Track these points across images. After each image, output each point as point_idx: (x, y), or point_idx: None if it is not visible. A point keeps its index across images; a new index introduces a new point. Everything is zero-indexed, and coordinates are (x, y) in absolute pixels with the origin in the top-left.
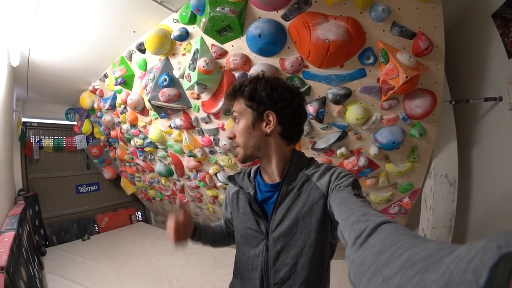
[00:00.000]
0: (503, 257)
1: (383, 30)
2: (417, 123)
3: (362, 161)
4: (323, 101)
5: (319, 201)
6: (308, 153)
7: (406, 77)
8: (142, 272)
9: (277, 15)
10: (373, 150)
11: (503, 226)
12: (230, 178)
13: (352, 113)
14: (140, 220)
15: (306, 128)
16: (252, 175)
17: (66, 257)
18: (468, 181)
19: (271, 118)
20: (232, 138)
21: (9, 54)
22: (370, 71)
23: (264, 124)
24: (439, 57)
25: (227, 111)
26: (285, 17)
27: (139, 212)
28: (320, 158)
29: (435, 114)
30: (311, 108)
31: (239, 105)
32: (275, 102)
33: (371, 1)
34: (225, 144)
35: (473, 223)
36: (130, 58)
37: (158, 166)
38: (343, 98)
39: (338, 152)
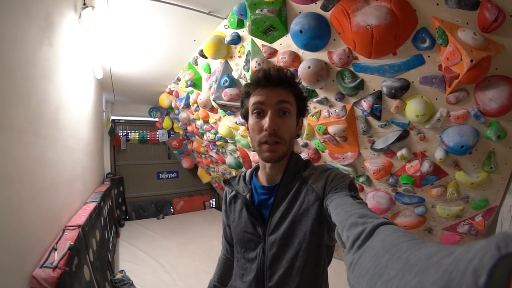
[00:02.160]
0: (502, 258)
1: (437, 4)
2: (493, 122)
3: (426, 166)
4: (378, 96)
5: (315, 203)
6: (367, 154)
7: (471, 60)
8: (202, 252)
9: (316, 7)
10: (439, 154)
11: None
12: (226, 182)
13: (412, 108)
14: (213, 207)
15: (362, 125)
16: (247, 178)
17: (140, 231)
18: None
19: (301, 123)
20: (275, 130)
21: (93, 70)
22: (428, 57)
23: (298, 127)
24: None
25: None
26: (324, 7)
27: (213, 200)
28: (379, 160)
29: None
30: (364, 104)
31: (290, 97)
32: (306, 110)
33: None
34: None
35: None
36: (196, 63)
37: (229, 159)
38: (400, 91)
39: (399, 154)
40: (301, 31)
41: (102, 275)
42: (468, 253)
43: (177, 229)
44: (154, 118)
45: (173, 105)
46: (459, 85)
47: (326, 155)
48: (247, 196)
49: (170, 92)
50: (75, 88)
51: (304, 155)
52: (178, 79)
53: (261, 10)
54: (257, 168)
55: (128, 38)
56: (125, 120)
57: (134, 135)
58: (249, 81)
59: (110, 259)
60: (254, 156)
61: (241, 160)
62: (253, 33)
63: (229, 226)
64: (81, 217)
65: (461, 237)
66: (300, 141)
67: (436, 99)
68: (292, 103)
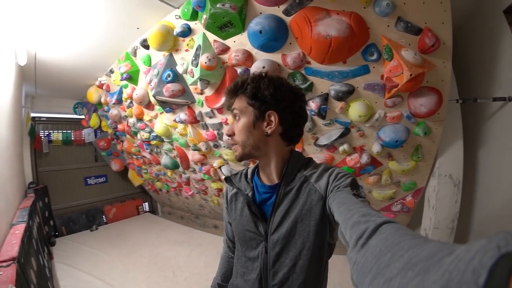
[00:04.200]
0: (502, 257)
1: (388, 26)
2: (421, 122)
3: (364, 159)
4: (325, 98)
5: (318, 203)
6: (311, 149)
7: (411, 74)
8: (148, 262)
9: (278, 11)
10: (376, 148)
11: (507, 229)
12: (227, 180)
13: (355, 110)
14: (147, 211)
15: (308, 124)
16: (249, 176)
17: (75, 247)
18: (473, 183)
19: (272, 118)
20: (230, 135)
21: (16, 54)
22: (373, 67)
23: (265, 124)
24: (447, 54)
25: (230, 106)
26: (287, 12)
27: (146, 203)
28: (322, 155)
29: (441, 113)
30: (313, 105)
31: (240, 103)
32: (278, 102)
33: None
34: (228, 139)
35: (476, 225)
36: (134, 54)
37: (164, 159)
38: (346, 95)
39: (341, 148)
40: (261, 32)
41: None
42: (469, 252)
43: (114, 240)
44: (80, 115)
45: (102, 100)
46: (397, 93)
47: None
48: (249, 194)
49: (101, 86)
50: None
51: None
52: (111, 71)
53: (222, 5)
54: (258, 166)
55: (59, 16)
56: (47, 117)
57: (57, 135)
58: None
59: None
60: (193, 156)
61: (178, 160)
62: (208, 27)
63: (230, 223)
64: (13, 246)
65: (395, 215)
66: None
67: (376, 102)
68: (242, 106)
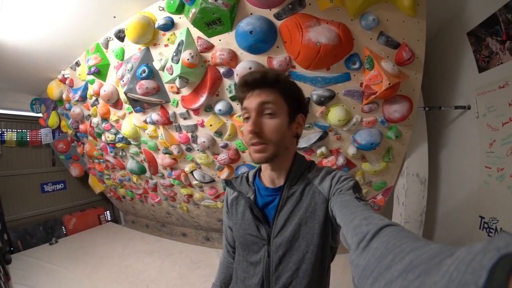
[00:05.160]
0: (502, 258)
1: (370, 39)
2: (393, 126)
3: (340, 161)
4: (307, 102)
5: (322, 205)
6: None
7: (389, 83)
8: (117, 277)
9: (269, 13)
10: (351, 150)
11: (467, 220)
12: (228, 183)
13: (335, 114)
14: (110, 220)
15: None
16: (250, 179)
17: (34, 264)
18: (437, 180)
19: (301, 120)
20: (256, 132)
21: None
22: (354, 75)
23: (295, 125)
24: (419, 67)
25: (208, 108)
26: (278, 16)
27: (108, 212)
28: None
29: (411, 119)
30: None
31: (274, 97)
32: (305, 106)
33: (363, 10)
34: (204, 141)
35: (441, 217)
36: (106, 46)
37: (130, 163)
38: (327, 100)
39: (318, 151)
40: (251, 32)
41: None
42: (469, 254)
43: (77, 254)
44: (37, 113)
45: (64, 96)
46: (373, 99)
47: (246, 155)
48: (251, 197)
49: (63, 80)
50: None
51: (223, 156)
52: (77, 64)
53: (215, 1)
54: (260, 169)
55: None
56: (0, 114)
57: (11, 135)
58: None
59: None
60: (163, 160)
61: (145, 164)
62: (195, 22)
63: (230, 228)
64: None
65: None
66: (220, 141)
67: (354, 108)
68: (277, 103)
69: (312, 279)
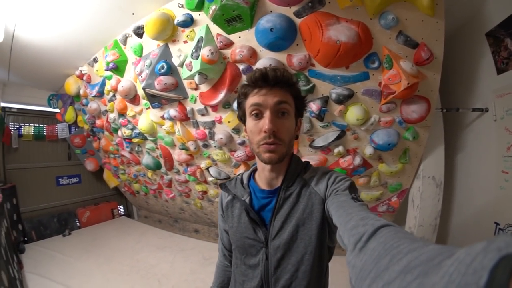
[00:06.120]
0: (503, 258)
1: (389, 38)
2: (411, 127)
3: (357, 160)
4: (326, 100)
5: (319, 206)
6: (305, 151)
7: (408, 83)
8: (129, 270)
9: (289, 11)
10: (368, 150)
11: (482, 226)
12: (222, 186)
13: (353, 113)
14: (123, 215)
15: (306, 125)
16: (245, 181)
17: (47, 254)
18: (452, 184)
19: (299, 124)
20: (274, 131)
21: None
22: (373, 74)
23: (297, 128)
24: (437, 68)
25: (226, 104)
26: (298, 14)
27: (121, 206)
28: (316, 156)
29: (428, 120)
30: (314, 106)
31: (288, 98)
32: (304, 110)
33: (382, 9)
34: (221, 138)
35: (456, 222)
36: (124, 42)
37: (146, 159)
38: (346, 99)
39: (335, 150)
40: (271, 29)
41: None
42: (469, 254)
43: (90, 246)
44: (54, 108)
45: (81, 92)
46: (392, 99)
47: None
48: (246, 200)
49: (81, 76)
50: None
51: (240, 153)
52: (95, 60)
53: None
54: (254, 171)
55: None
56: (18, 109)
57: (28, 129)
58: (197, 70)
59: None
60: (179, 155)
61: (161, 160)
62: (215, 19)
63: (226, 231)
64: None
65: (380, 215)
66: (237, 138)
67: (372, 107)
68: (290, 104)
69: (311, 279)
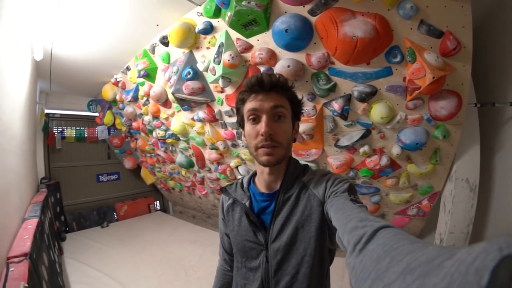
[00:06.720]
0: (504, 258)
1: (411, 28)
2: (441, 125)
3: (384, 161)
4: (348, 98)
5: (318, 208)
6: (331, 150)
7: (433, 77)
8: (159, 260)
9: (303, 10)
10: (395, 150)
11: None
12: (223, 190)
13: (377, 111)
14: (159, 210)
15: (330, 124)
16: (245, 185)
17: (85, 243)
18: (489, 187)
19: (297, 127)
20: (271, 134)
21: (32, 49)
22: (396, 69)
23: (294, 131)
24: (467, 58)
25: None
26: (312, 12)
27: (157, 202)
28: (342, 156)
29: (460, 117)
30: (336, 105)
31: (284, 102)
32: (301, 113)
33: None
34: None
35: (491, 230)
36: (153, 51)
37: (179, 158)
38: (369, 96)
39: (361, 150)
40: (286, 30)
41: None
42: (470, 254)
43: (125, 237)
44: (94, 112)
45: (117, 98)
46: (418, 95)
47: None
48: (247, 203)
49: (116, 83)
50: (9, 72)
51: None
52: (128, 68)
53: (248, 3)
54: (254, 175)
55: (78, 12)
56: (60, 114)
57: (70, 132)
58: (219, 75)
59: (62, 285)
60: (210, 155)
61: (193, 159)
62: (232, 24)
63: (227, 235)
64: (25, 241)
65: (410, 219)
66: None
67: (397, 104)
68: (286, 107)
69: (312, 282)
